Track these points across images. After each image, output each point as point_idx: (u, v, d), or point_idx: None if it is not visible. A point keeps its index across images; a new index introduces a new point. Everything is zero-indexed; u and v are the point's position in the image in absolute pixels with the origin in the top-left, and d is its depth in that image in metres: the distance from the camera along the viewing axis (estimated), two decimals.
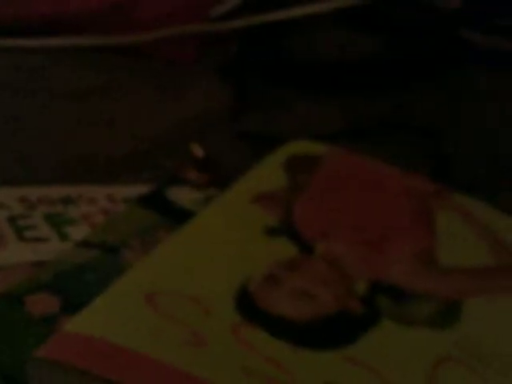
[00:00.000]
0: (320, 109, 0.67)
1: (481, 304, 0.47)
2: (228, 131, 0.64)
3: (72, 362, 0.38)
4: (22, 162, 0.58)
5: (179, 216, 0.52)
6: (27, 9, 0.74)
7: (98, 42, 0.72)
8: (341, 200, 0.54)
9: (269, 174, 0.55)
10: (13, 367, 0.41)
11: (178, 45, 0.73)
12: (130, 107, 0.66)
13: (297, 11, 0.74)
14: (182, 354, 0.40)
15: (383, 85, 0.70)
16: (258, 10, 0.75)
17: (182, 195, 0.55)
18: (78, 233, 0.51)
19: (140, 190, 0.55)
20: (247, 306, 0.44)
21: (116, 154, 0.60)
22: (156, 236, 0.50)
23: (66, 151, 0.60)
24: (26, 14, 0.73)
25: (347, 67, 0.71)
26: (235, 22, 0.74)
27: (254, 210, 0.51)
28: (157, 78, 0.70)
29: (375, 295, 0.46)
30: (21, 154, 0.59)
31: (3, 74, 0.68)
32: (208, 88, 0.69)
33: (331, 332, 0.43)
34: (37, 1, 0.75)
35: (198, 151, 0.60)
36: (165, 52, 0.72)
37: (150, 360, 0.39)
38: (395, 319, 0.45)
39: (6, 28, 0.72)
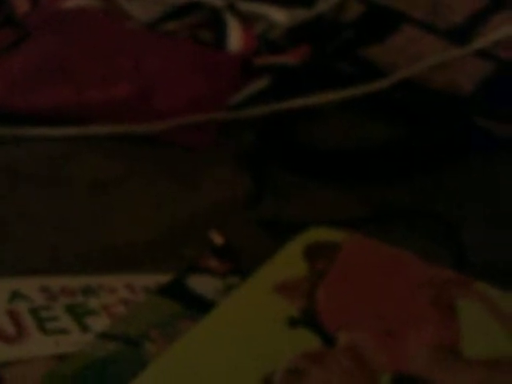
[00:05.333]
0: (337, 195, 0.68)
1: None
2: (246, 218, 0.64)
3: None
4: (44, 252, 0.58)
5: (200, 306, 0.52)
6: (46, 98, 0.75)
7: (116, 131, 0.72)
8: (361, 288, 0.54)
9: (289, 262, 0.55)
10: None
11: (196, 133, 0.74)
12: (149, 196, 0.67)
13: (313, 99, 0.75)
14: None
15: (400, 172, 0.71)
16: (275, 98, 0.76)
17: (202, 284, 0.55)
18: (99, 324, 0.51)
19: (160, 278, 0.55)
20: None
21: (136, 242, 0.60)
22: (177, 327, 0.50)
23: (86, 240, 0.60)
24: (45, 103, 0.75)
25: (363, 154, 0.72)
26: (252, 110, 0.75)
27: (276, 300, 0.51)
28: (175, 167, 0.70)
29: None
30: (42, 244, 0.59)
31: (23, 164, 0.69)
32: (226, 176, 0.70)
33: None
34: (55, 91, 0.76)
35: (217, 239, 0.60)
36: (183, 140, 0.73)
37: None
38: None
39: (25, 117, 0.73)
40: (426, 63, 0.77)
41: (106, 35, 0.84)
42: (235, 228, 0.62)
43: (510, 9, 0.79)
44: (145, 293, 0.54)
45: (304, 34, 0.84)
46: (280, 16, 0.86)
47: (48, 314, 0.51)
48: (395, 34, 0.81)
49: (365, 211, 0.66)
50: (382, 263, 0.56)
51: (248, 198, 0.67)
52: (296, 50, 0.82)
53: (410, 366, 0.47)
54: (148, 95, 0.76)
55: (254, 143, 0.73)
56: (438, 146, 0.73)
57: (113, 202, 0.65)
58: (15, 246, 0.59)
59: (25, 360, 0.47)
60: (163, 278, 0.55)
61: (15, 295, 0.52)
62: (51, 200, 0.65)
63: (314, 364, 0.46)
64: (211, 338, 0.48)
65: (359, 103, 0.76)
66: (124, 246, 0.60)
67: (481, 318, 0.52)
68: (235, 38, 0.83)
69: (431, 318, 0.52)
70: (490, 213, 0.66)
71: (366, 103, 0.76)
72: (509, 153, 0.71)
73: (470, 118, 0.74)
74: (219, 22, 0.85)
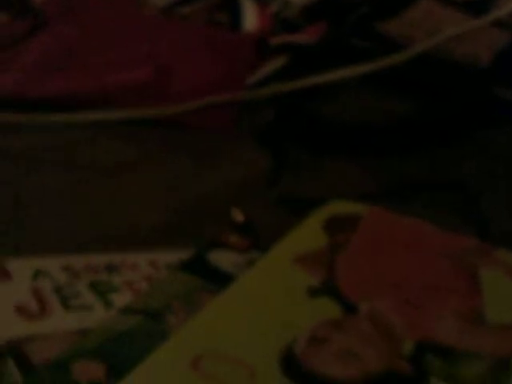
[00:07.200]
0: (355, 171, 0.68)
1: None
2: (266, 196, 0.64)
3: None
4: (63, 235, 0.59)
5: (221, 280, 0.52)
6: (63, 85, 0.75)
7: (134, 116, 0.72)
8: (382, 259, 0.54)
9: (309, 234, 0.55)
10: None
11: (215, 114, 0.74)
12: (169, 176, 0.67)
13: (329, 76, 0.75)
14: None
15: (417, 145, 0.70)
16: (292, 77, 0.76)
17: (223, 259, 0.55)
18: (122, 300, 0.51)
19: (181, 255, 0.56)
20: (294, 368, 0.43)
21: (158, 221, 0.61)
22: (199, 300, 0.50)
23: (106, 222, 0.60)
24: (63, 89, 0.75)
25: (379, 130, 0.72)
26: (269, 89, 0.75)
27: (296, 271, 0.51)
28: (194, 147, 0.71)
29: (423, 354, 0.45)
30: (61, 227, 0.60)
31: (40, 150, 0.69)
32: (244, 155, 0.70)
33: None
34: (72, 77, 0.76)
35: (238, 216, 0.60)
36: (202, 122, 0.73)
37: None
38: (444, 378, 0.44)
39: (42, 104, 0.73)
40: (444, 36, 0.76)
41: (122, 21, 0.84)
42: (254, 205, 0.62)
43: None
44: (167, 269, 0.54)
45: (320, 11, 0.84)
46: None
47: (71, 291, 0.51)
48: (412, 7, 0.80)
49: (383, 185, 0.66)
50: (402, 234, 0.56)
51: (267, 176, 0.67)
52: (312, 28, 0.82)
53: (434, 334, 0.47)
54: (165, 79, 0.76)
55: (272, 122, 0.73)
56: (457, 118, 0.72)
57: (132, 183, 0.65)
58: (34, 230, 0.60)
59: (47, 335, 0.47)
60: (185, 255, 0.56)
61: (38, 273, 0.52)
62: (68, 184, 0.65)
63: (335, 331, 0.46)
64: (232, 309, 0.48)
65: (377, 78, 0.76)
66: (144, 226, 0.60)
67: (503, 285, 0.52)
68: (251, 19, 0.83)
69: (454, 286, 0.51)
70: (510, 184, 0.66)
71: (383, 78, 0.76)
72: None
73: (489, 88, 0.73)
74: (234, 3, 0.85)
